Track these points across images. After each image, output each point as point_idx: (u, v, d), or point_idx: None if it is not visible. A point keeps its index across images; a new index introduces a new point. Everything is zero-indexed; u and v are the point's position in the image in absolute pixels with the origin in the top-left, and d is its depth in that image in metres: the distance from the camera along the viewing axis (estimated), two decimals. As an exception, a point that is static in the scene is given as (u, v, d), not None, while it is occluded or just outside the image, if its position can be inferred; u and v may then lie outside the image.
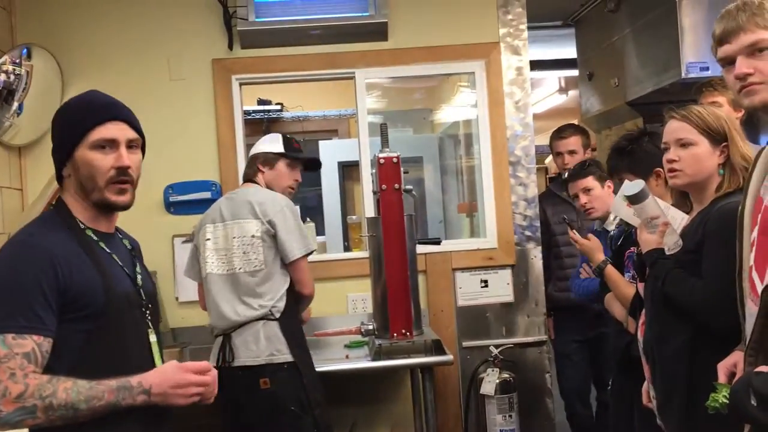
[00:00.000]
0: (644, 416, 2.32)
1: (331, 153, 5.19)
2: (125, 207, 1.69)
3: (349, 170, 5.21)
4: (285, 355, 2.79)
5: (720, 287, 1.79)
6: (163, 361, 1.71)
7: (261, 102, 5.29)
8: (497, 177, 3.82)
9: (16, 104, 3.48)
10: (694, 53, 3.86)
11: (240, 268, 2.87)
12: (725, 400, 1.50)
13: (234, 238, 2.89)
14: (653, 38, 4.16)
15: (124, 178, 1.65)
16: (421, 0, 3.82)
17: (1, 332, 1.49)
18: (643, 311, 2.22)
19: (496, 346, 3.55)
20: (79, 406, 1.50)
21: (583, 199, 3.12)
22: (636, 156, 2.61)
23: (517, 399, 3.43)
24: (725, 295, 1.71)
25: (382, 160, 3.10)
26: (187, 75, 3.74)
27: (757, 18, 1.61)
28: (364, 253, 3.62)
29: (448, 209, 5.06)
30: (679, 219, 2.11)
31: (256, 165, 3.03)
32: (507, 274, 3.81)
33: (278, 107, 5.39)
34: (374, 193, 3.27)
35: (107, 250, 1.68)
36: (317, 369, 2.95)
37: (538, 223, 3.82)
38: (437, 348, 3.05)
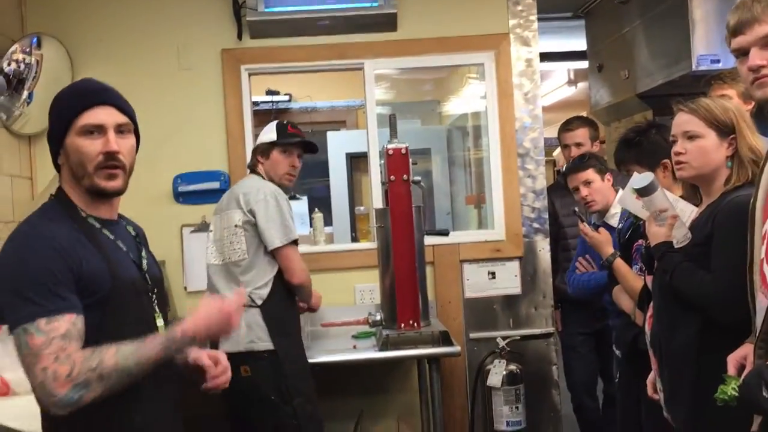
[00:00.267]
0: (651, 409, 2.33)
1: (339, 144, 5.20)
2: (117, 193, 1.66)
3: (356, 161, 5.20)
4: (265, 343, 2.79)
5: (730, 280, 1.79)
6: None
7: (269, 92, 5.28)
8: (506, 169, 3.81)
9: (26, 93, 3.49)
10: (705, 45, 3.83)
11: (229, 258, 2.90)
12: (734, 393, 1.50)
13: (224, 228, 2.93)
14: (664, 30, 4.13)
15: (113, 163, 1.62)
16: (431, -10, 3.81)
17: (33, 320, 1.48)
18: (651, 304, 2.22)
19: (503, 338, 3.54)
20: (130, 368, 1.51)
21: (584, 191, 3.12)
22: (643, 147, 2.61)
23: (524, 391, 3.41)
24: (735, 288, 1.71)
25: (390, 151, 3.10)
26: (195, 65, 3.73)
27: None
28: (372, 244, 3.62)
29: (455, 201, 5.05)
30: (688, 212, 2.10)
31: (256, 156, 3.05)
32: (515, 266, 3.81)
33: (287, 98, 5.38)
34: (382, 184, 3.26)
35: (111, 237, 1.68)
36: (323, 360, 2.97)
37: (546, 215, 3.81)
38: (445, 339, 3.05)
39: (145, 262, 1.74)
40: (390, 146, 3.11)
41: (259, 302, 2.83)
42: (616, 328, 2.87)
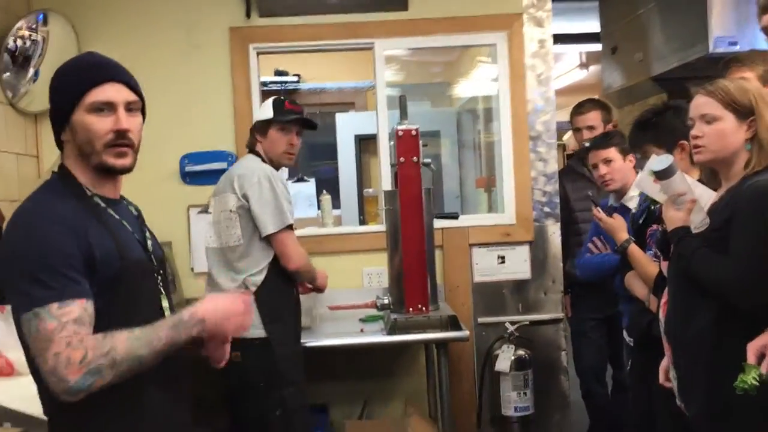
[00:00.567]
0: (663, 397, 2.29)
1: (347, 126, 5.17)
2: (126, 170, 1.63)
3: (365, 143, 5.17)
4: (258, 330, 2.72)
5: (750, 266, 1.75)
6: None
7: (278, 73, 5.25)
8: (517, 152, 3.77)
9: (32, 70, 3.45)
10: (723, 27, 3.76)
11: (225, 243, 2.85)
12: (755, 382, 1.46)
13: (221, 212, 2.87)
14: (680, 12, 4.06)
15: (123, 141, 1.59)
16: (443, -31, 3.74)
17: (45, 305, 1.45)
18: (666, 290, 2.18)
19: (512, 323, 3.52)
20: (141, 353, 1.48)
21: (603, 169, 3.07)
22: (660, 128, 2.56)
23: (532, 376, 3.41)
24: (755, 273, 1.67)
25: (400, 133, 3.05)
26: (203, 43, 3.69)
27: None
28: (381, 227, 3.58)
29: (465, 184, 5.01)
30: (707, 196, 2.05)
31: (254, 135, 2.97)
32: (525, 250, 3.77)
33: (295, 78, 5.34)
34: (392, 166, 3.22)
35: (116, 216, 1.64)
36: (330, 343, 2.93)
37: (557, 200, 3.77)
38: (453, 323, 3.02)
39: (150, 242, 1.72)
40: (400, 127, 3.05)
41: (254, 288, 2.77)
42: (626, 313, 2.83)
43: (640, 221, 2.74)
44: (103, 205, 1.63)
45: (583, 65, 7.09)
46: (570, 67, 7.20)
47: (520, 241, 3.77)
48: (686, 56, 3.98)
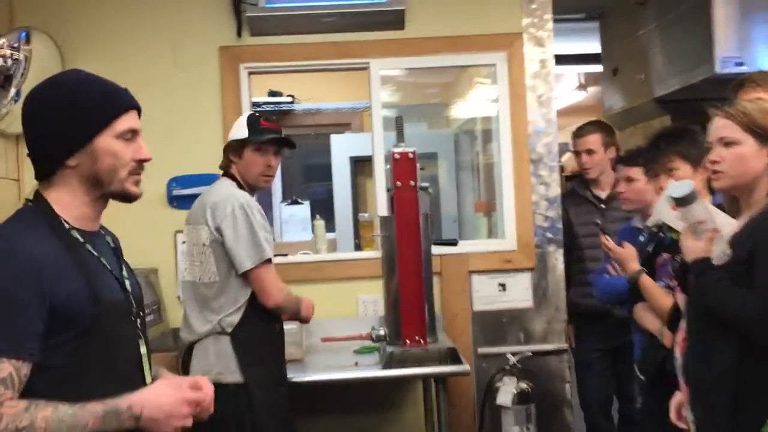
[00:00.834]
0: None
1: (342, 147, 5.12)
2: (137, 198, 1.61)
3: (361, 165, 5.09)
4: (234, 375, 2.54)
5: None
6: (151, 372, 1.59)
7: (272, 93, 5.15)
8: (517, 175, 3.65)
9: (13, 90, 3.31)
10: (728, 47, 3.68)
11: (200, 278, 2.64)
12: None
13: (194, 245, 2.67)
14: (683, 32, 3.99)
15: (140, 170, 1.59)
16: (440, -13, 3.65)
17: None
18: (682, 325, 2.05)
19: (514, 354, 3.38)
20: None
21: (622, 187, 2.97)
22: (690, 142, 2.47)
23: (535, 410, 3.27)
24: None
25: (397, 156, 2.93)
26: (192, 63, 3.58)
27: None
28: (376, 253, 3.45)
29: (463, 208, 4.92)
30: (728, 225, 1.92)
31: (228, 155, 2.76)
32: (526, 277, 3.64)
33: (290, 99, 5.24)
34: (388, 190, 3.10)
35: (94, 253, 1.54)
36: (322, 378, 2.79)
37: (560, 225, 3.64)
38: (453, 357, 2.89)
39: (127, 282, 1.60)
40: (396, 150, 2.93)
41: (229, 330, 2.57)
42: (638, 344, 2.69)
43: (649, 249, 2.62)
44: (81, 240, 1.52)
45: (582, 86, 7.01)
46: (568, 89, 7.12)
47: (522, 268, 3.64)
48: (690, 77, 3.90)
